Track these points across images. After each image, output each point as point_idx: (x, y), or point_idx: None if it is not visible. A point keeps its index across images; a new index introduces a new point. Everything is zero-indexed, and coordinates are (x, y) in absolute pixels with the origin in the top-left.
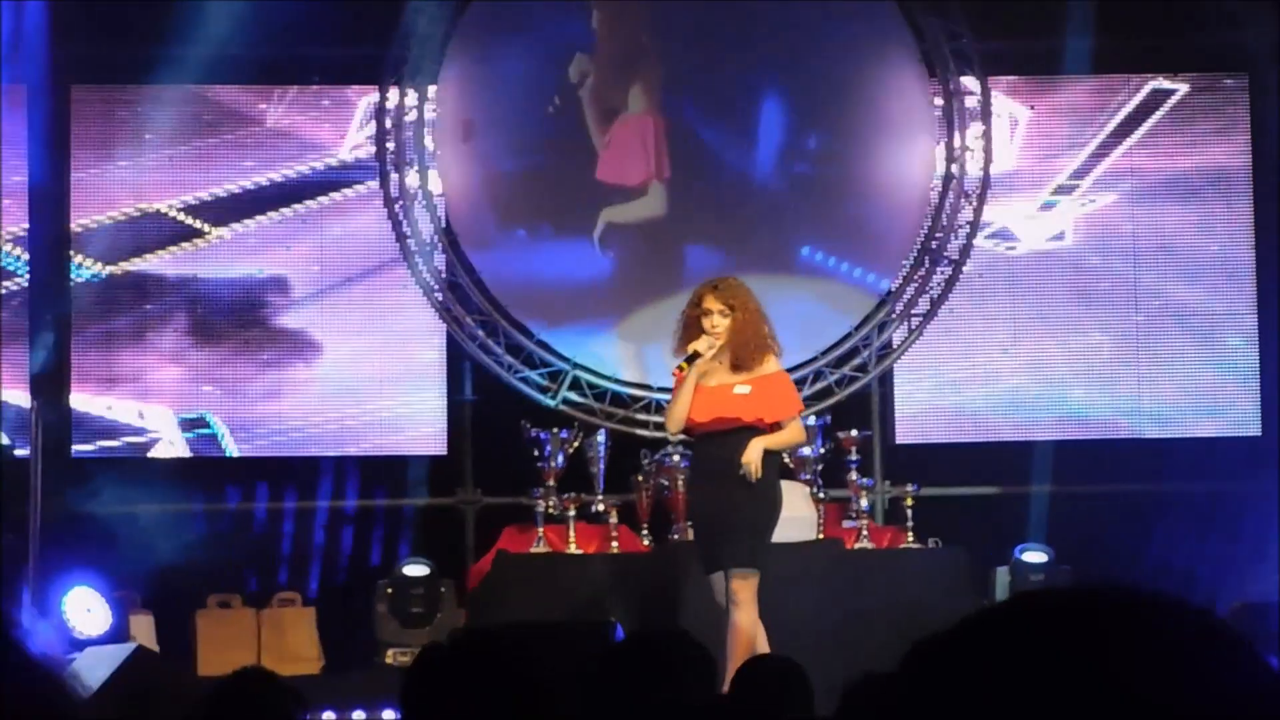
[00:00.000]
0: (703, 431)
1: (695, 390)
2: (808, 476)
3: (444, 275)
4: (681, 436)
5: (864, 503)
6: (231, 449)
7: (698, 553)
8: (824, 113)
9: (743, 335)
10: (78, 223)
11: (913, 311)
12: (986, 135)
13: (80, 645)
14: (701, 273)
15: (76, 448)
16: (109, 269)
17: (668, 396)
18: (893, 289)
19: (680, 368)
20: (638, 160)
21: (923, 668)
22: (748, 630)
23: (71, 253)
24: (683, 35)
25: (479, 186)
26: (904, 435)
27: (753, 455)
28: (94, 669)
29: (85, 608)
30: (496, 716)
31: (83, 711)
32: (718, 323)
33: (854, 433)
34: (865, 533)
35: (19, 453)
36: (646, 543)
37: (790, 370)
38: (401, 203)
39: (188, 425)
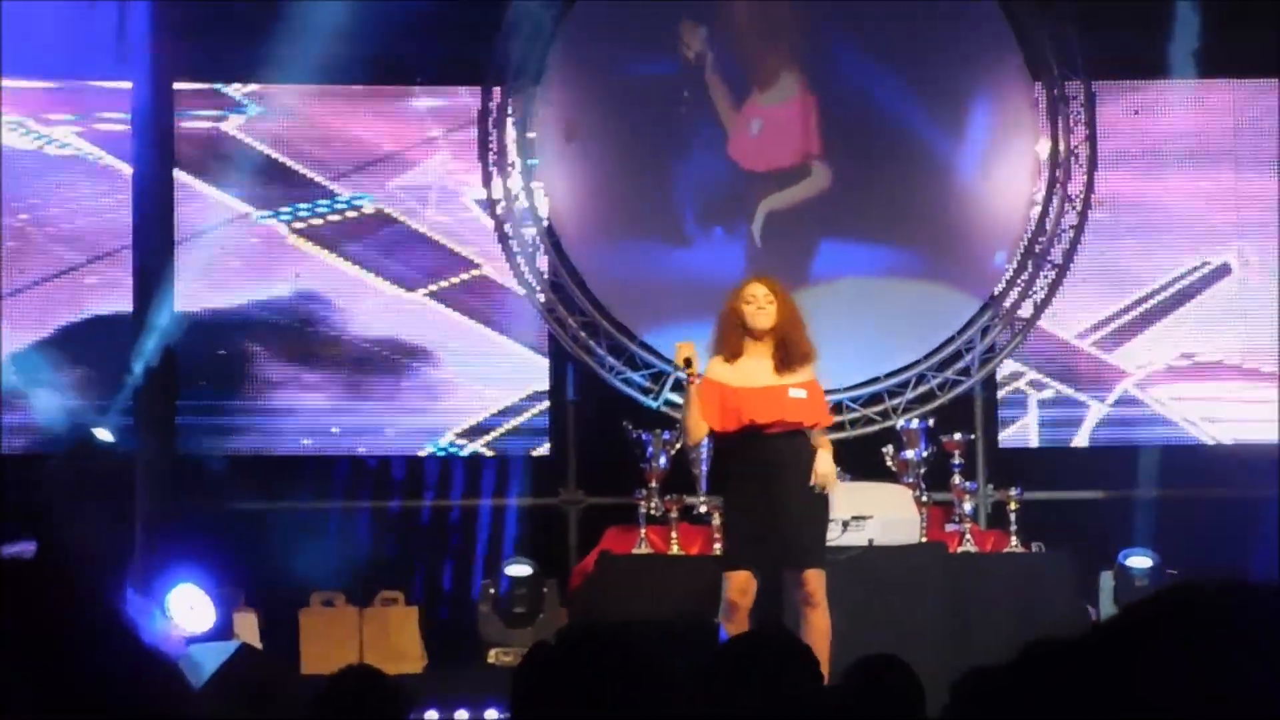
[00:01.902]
0: (760, 432)
1: (750, 391)
2: (911, 479)
3: (546, 276)
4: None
5: (967, 506)
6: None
7: (752, 548)
8: (934, 119)
9: (788, 326)
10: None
11: (1016, 315)
12: (1091, 139)
13: (184, 642)
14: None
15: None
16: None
17: None
18: (996, 293)
19: (690, 378)
20: (797, 141)
21: (1040, 664)
22: (828, 629)
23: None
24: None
25: (583, 187)
26: (1008, 439)
27: (831, 468)
28: (198, 666)
29: (189, 605)
30: (605, 715)
31: (195, 701)
32: (764, 306)
33: (957, 436)
34: (969, 536)
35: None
36: None
37: (893, 374)
38: (504, 203)
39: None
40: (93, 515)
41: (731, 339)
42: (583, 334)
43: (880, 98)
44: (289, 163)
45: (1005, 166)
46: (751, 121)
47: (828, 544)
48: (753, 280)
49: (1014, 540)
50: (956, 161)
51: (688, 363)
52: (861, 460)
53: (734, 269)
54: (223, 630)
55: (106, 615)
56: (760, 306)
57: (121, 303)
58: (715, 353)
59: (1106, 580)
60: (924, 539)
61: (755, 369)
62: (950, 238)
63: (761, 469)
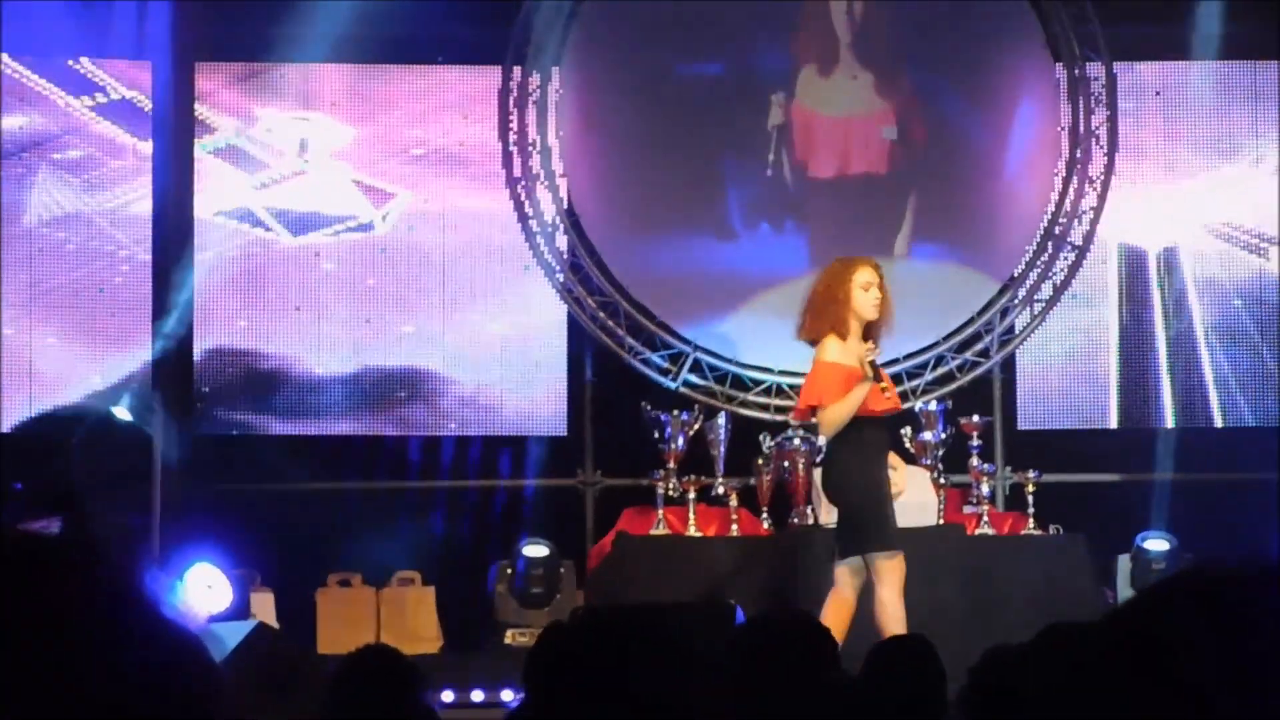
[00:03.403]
0: (883, 415)
1: (884, 374)
2: (929, 461)
3: (566, 256)
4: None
5: (985, 489)
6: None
7: (887, 532)
8: (956, 101)
9: (889, 310)
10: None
11: (1036, 297)
12: (1111, 121)
13: (206, 620)
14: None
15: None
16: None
17: (790, 380)
18: (1015, 274)
19: (879, 383)
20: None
21: (1058, 646)
22: None
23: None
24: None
25: (602, 170)
26: (1026, 421)
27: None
28: (215, 645)
29: (206, 584)
30: (621, 696)
31: (220, 679)
32: (878, 294)
33: (975, 418)
34: (986, 519)
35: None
36: (767, 526)
37: (912, 355)
38: (524, 183)
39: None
40: (111, 494)
41: (847, 321)
42: (601, 314)
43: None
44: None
45: (1026, 148)
46: (883, 128)
47: None
48: (867, 265)
49: (1031, 523)
50: (978, 143)
51: (873, 366)
52: None
53: (768, 263)
54: (240, 610)
55: (130, 591)
56: (877, 295)
57: (141, 284)
58: (831, 333)
59: (1124, 563)
60: (942, 521)
61: (859, 348)
62: (970, 219)
63: (885, 450)
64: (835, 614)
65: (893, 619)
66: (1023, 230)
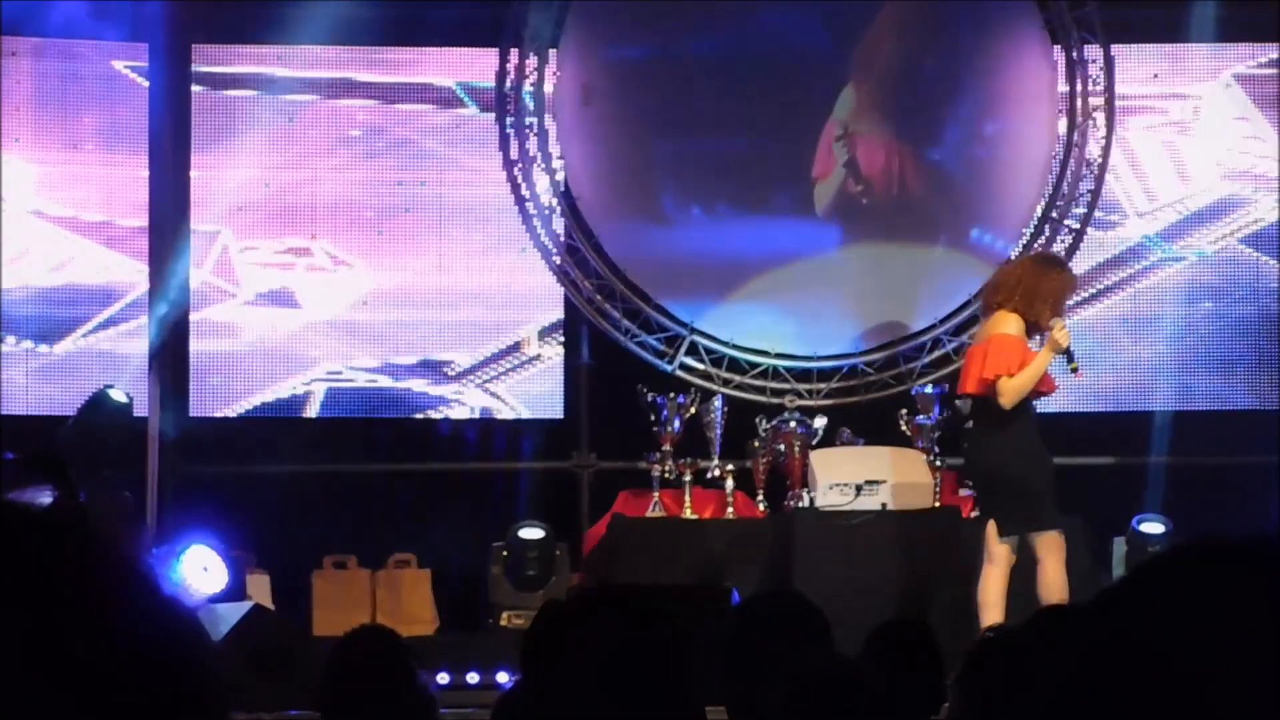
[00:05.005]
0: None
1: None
2: (925, 444)
3: (562, 239)
4: (800, 403)
5: None
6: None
7: (1048, 509)
8: (955, 83)
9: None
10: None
11: None
12: (1109, 103)
13: (205, 600)
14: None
15: (194, 408)
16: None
17: (786, 363)
18: (1012, 257)
19: (1073, 366)
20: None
21: (1052, 629)
22: None
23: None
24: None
25: (599, 152)
26: None
27: None
28: (211, 627)
29: (202, 566)
30: (618, 676)
31: (216, 655)
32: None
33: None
34: None
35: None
36: (763, 508)
37: (909, 338)
38: (521, 166)
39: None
40: (105, 471)
41: (1042, 313)
42: (598, 297)
43: (903, 59)
44: (303, 114)
45: (1024, 131)
46: (927, 148)
47: (843, 509)
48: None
49: None
50: (975, 125)
51: (1068, 352)
52: (875, 425)
53: (766, 246)
54: (235, 592)
55: (126, 564)
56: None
57: (137, 271)
58: (1016, 314)
59: (1119, 546)
60: (938, 504)
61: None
62: (968, 202)
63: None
64: (996, 587)
65: (1056, 591)
66: (1019, 213)
